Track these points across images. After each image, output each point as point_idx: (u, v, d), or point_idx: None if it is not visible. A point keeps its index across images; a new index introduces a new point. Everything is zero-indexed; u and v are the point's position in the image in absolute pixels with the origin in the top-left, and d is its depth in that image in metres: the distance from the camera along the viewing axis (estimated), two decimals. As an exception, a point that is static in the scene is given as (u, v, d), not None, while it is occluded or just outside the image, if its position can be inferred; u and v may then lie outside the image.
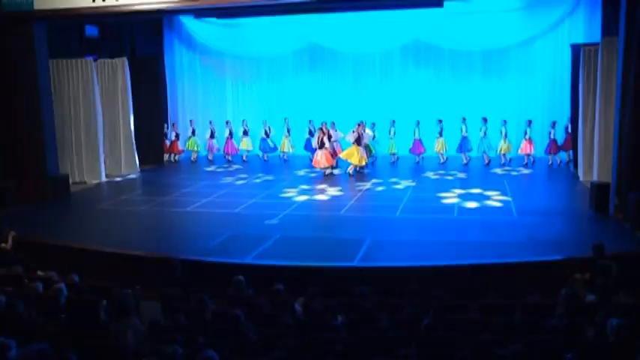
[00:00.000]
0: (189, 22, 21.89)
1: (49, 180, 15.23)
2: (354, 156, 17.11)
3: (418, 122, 19.28)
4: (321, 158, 17.31)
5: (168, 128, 21.46)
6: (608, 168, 12.99)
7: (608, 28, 13.72)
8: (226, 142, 20.89)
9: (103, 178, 17.73)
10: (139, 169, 19.03)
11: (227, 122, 21.06)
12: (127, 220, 13.20)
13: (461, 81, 20.63)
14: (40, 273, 9.00)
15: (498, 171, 17.52)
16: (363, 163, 17.41)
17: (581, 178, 15.39)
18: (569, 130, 17.74)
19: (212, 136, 21.18)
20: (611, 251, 8.69)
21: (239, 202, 14.13)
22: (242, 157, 20.92)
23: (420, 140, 19.24)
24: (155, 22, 21.00)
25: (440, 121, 19.11)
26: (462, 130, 19.00)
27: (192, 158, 21.45)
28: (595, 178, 13.83)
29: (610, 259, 8.12)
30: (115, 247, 10.66)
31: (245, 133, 20.88)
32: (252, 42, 21.58)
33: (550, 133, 18.37)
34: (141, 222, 13.04)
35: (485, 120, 18.71)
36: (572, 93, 16.68)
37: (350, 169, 17.29)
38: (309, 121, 20.14)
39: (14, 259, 9.44)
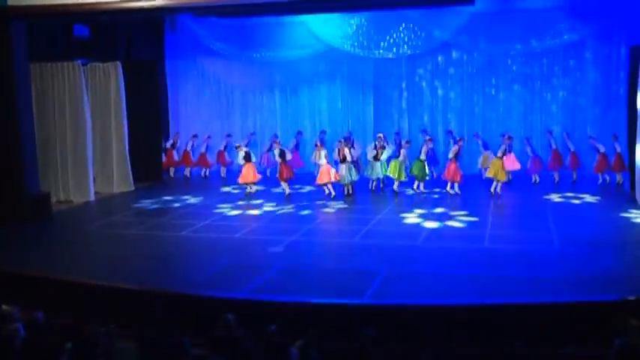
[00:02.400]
0: (193, 23, 21.69)
1: (28, 199, 15.03)
2: (500, 171, 16.70)
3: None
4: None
5: (171, 140, 21.28)
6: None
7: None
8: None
9: (92, 197, 17.55)
10: (133, 187, 18.85)
11: (299, 132, 20.46)
12: (111, 245, 12.94)
13: (497, 88, 20.25)
14: (4, 307, 8.73)
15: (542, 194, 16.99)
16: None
17: (639, 202, 14.83)
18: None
19: (270, 149, 20.27)
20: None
21: (243, 226, 14.02)
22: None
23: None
24: (154, 22, 20.92)
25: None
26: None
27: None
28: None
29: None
30: (88, 278, 10.30)
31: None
32: (264, 45, 21.38)
33: (598, 149, 17.90)
34: (127, 248, 12.76)
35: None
36: (629, 102, 16.25)
37: (498, 188, 16.72)
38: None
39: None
